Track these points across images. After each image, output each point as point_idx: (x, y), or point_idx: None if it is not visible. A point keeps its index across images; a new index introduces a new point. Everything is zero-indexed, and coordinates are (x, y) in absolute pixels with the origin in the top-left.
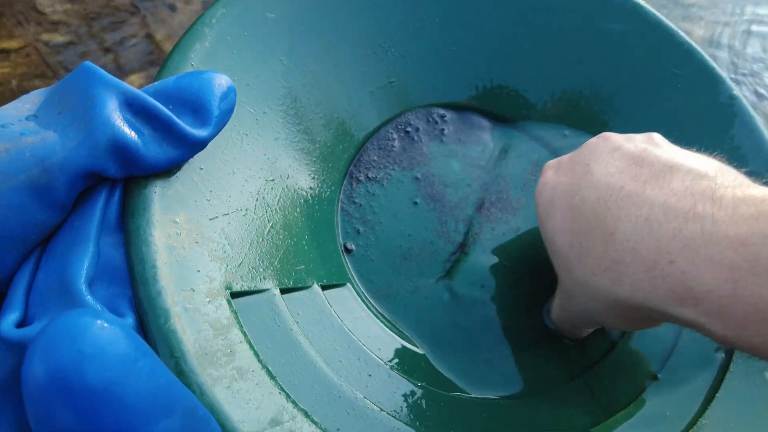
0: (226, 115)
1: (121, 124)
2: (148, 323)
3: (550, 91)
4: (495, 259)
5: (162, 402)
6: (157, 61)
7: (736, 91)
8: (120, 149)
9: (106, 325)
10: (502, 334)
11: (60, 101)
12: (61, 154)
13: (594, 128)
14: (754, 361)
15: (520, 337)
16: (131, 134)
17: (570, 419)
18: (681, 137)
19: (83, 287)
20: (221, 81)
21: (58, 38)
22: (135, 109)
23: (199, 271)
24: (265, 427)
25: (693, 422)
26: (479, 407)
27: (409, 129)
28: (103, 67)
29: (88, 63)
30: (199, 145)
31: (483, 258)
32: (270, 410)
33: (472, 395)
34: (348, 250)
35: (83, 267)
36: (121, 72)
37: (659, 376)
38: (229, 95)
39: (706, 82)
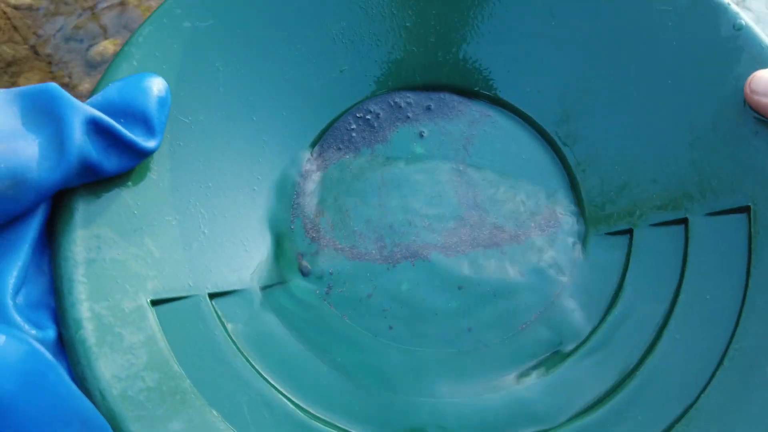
0: (166, 119)
1: (89, 147)
2: (63, 334)
3: (523, 53)
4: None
5: (60, 414)
6: (129, 26)
7: (743, 18)
8: (88, 169)
9: (9, 340)
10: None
11: (24, 113)
12: (36, 173)
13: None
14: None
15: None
16: (97, 155)
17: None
18: (675, 86)
19: (8, 300)
20: (158, 86)
21: (28, 1)
22: (97, 129)
23: (117, 282)
24: (165, 427)
25: (668, 429)
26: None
27: (368, 116)
28: (74, 31)
29: (54, 84)
30: (149, 154)
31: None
32: (176, 410)
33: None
34: (302, 255)
35: (10, 279)
36: (96, 35)
37: (638, 371)
38: (167, 100)
39: (703, 14)
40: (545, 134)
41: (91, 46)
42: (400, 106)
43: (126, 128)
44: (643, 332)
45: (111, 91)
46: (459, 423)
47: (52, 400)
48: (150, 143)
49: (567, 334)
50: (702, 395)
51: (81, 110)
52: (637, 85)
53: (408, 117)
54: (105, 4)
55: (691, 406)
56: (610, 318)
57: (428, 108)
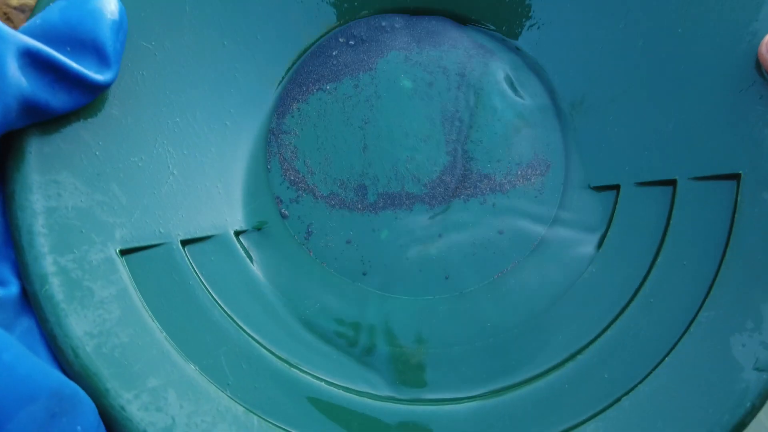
0: (123, 47)
1: (27, 84)
2: (28, 290)
3: None
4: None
5: (21, 393)
6: None
7: None
8: (31, 109)
9: None
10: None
11: None
12: None
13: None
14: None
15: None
16: (41, 93)
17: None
18: (684, 39)
19: None
20: (111, 7)
21: (29, 2)
22: (36, 62)
23: (82, 231)
24: (143, 384)
25: (629, 390)
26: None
27: (352, 41)
28: None
29: None
30: (104, 88)
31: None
32: (153, 365)
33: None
34: (280, 199)
35: None
36: None
37: (608, 331)
38: (123, 24)
39: None
40: (544, 76)
41: None
42: (388, 31)
43: (73, 59)
44: (618, 292)
45: (52, 13)
46: (434, 373)
47: (9, 382)
48: (104, 75)
49: (542, 286)
50: (665, 359)
51: (13, 40)
52: (645, 37)
53: (396, 44)
54: None
55: (654, 368)
56: (586, 274)
57: (418, 34)
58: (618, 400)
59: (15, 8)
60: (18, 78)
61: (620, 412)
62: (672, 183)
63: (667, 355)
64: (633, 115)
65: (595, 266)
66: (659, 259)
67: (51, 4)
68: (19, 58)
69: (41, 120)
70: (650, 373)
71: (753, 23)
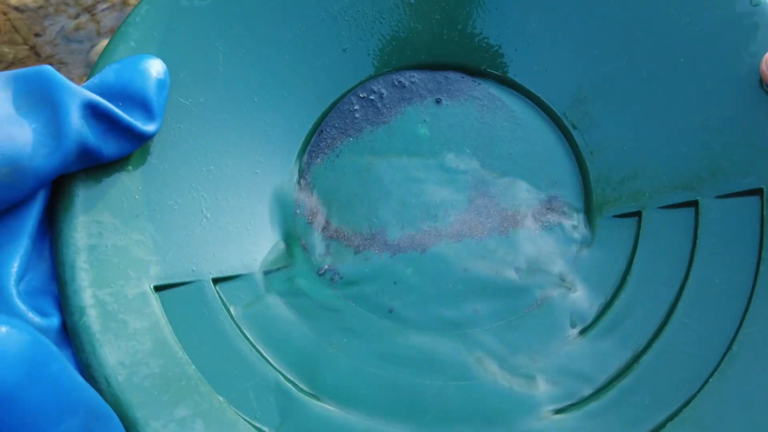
0: (166, 102)
1: (87, 131)
2: (67, 322)
3: (532, 30)
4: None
5: (65, 404)
6: None
7: None
8: (86, 154)
9: (11, 330)
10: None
11: (18, 98)
12: (33, 159)
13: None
14: (760, 340)
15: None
16: (96, 140)
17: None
18: (688, 65)
19: (12, 288)
20: (157, 68)
21: (27, 2)
22: (95, 113)
23: (120, 268)
24: (171, 414)
25: (674, 415)
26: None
27: (372, 96)
28: (74, 31)
29: (49, 67)
30: (149, 137)
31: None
32: (181, 396)
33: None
34: (306, 242)
35: (13, 267)
36: (97, 35)
37: (645, 355)
38: (166, 83)
39: None
40: (554, 117)
41: (92, 46)
42: (404, 86)
43: (124, 112)
44: (651, 316)
45: (108, 73)
46: (464, 406)
47: (55, 391)
48: (149, 127)
49: (573, 318)
50: (710, 380)
51: (78, 94)
52: (649, 65)
53: (413, 97)
54: (105, 5)
55: (698, 391)
56: (617, 302)
57: (434, 88)
58: (663, 425)
59: (15, 8)
60: (78, 126)
61: None
62: (694, 204)
63: (710, 376)
64: (648, 143)
65: (624, 293)
66: (690, 280)
67: (107, 66)
68: (81, 109)
69: (91, 165)
70: (695, 395)
71: (751, 44)
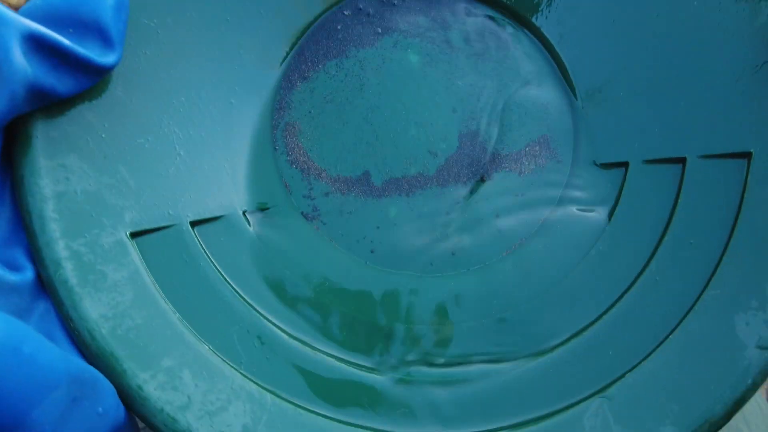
0: (126, 26)
1: (34, 68)
2: (42, 275)
3: None
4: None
5: (43, 381)
6: None
7: None
8: (37, 94)
9: None
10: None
11: None
12: None
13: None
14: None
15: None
16: (46, 77)
17: None
18: (700, 11)
19: None
20: None
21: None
22: (41, 46)
23: (92, 215)
24: (158, 364)
25: (633, 367)
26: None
27: (358, 14)
28: None
29: None
30: (109, 70)
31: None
32: (167, 346)
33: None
34: (286, 180)
35: None
36: None
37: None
38: (125, 3)
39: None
40: (551, 50)
41: None
42: (394, 3)
43: (77, 42)
44: (625, 270)
45: None
46: (436, 348)
47: (30, 372)
48: (108, 58)
49: (549, 264)
50: (670, 336)
51: (17, 25)
52: (655, 16)
53: (403, 17)
54: None
55: (658, 346)
56: (593, 251)
57: (427, 8)
58: (622, 376)
59: (14, 8)
60: (23, 63)
61: (624, 388)
62: (681, 161)
63: (671, 332)
64: (643, 94)
65: (602, 243)
66: (666, 237)
67: None
68: (23, 43)
69: (47, 104)
70: (654, 350)
71: (764, 6)
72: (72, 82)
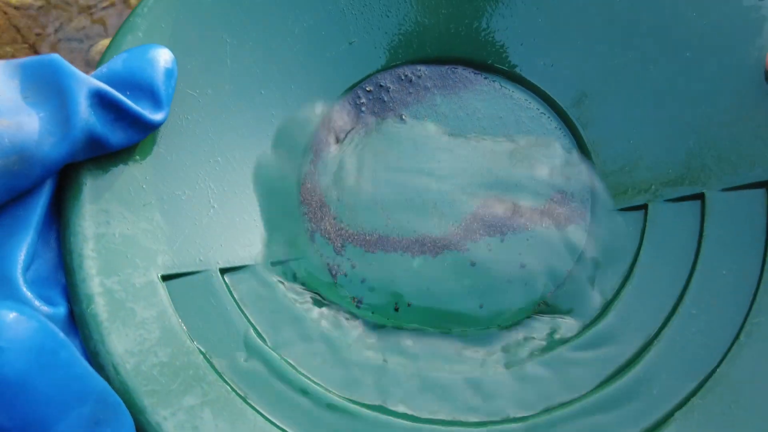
0: (173, 92)
1: (95, 120)
2: (74, 310)
3: (538, 25)
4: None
5: (74, 391)
6: None
7: None
8: (94, 143)
9: (20, 317)
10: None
11: (25, 86)
12: (41, 148)
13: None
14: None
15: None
16: (103, 129)
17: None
18: (695, 59)
19: (19, 277)
20: (165, 57)
21: (28, 0)
22: (103, 102)
23: (127, 256)
24: (180, 402)
25: (681, 404)
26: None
27: (379, 90)
28: (75, 31)
29: (58, 56)
30: (156, 127)
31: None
32: (189, 385)
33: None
34: (312, 230)
35: (20, 255)
36: (97, 34)
37: (653, 346)
38: (174, 72)
39: None
40: (560, 111)
41: (91, 46)
42: (411, 80)
43: (132, 101)
44: (658, 308)
45: (116, 63)
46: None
47: (64, 378)
48: (157, 116)
49: (580, 312)
50: (717, 370)
51: (86, 82)
52: (655, 60)
53: (420, 91)
54: (105, 4)
55: (705, 380)
56: (623, 295)
57: (441, 82)
58: (671, 415)
59: (15, 8)
60: (87, 114)
61: (673, 428)
62: (700, 197)
63: (718, 365)
64: (654, 136)
65: (631, 285)
66: (696, 272)
67: (115, 56)
68: (89, 98)
69: (99, 154)
70: (702, 385)
71: (758, 38)
72: (123, 135)
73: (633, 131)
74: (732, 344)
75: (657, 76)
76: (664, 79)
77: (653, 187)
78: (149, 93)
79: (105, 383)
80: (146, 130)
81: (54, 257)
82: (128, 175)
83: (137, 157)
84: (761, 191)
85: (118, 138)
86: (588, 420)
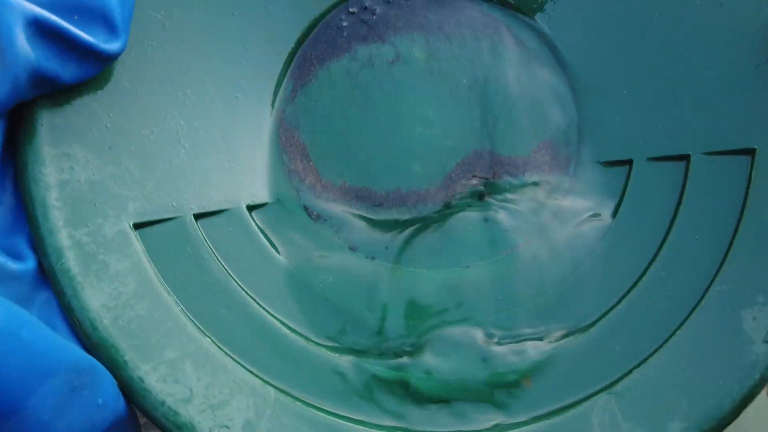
0: (131, 15)
1: (38, 54)
2: (44, 263)
3: None
4: None
5: (40, 368)
6: None
7: None
8: (41, 80)
9: None
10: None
11: None
12: None
13: None
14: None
15: None
16: (50, 64)
17: None
18: (698, 25)
19: None
20: None
21: None
22: (45, 31)
23: (96, 205)
24: (160, 356)
25: (640, 363)
26: None
27: (362, 12)
28: None
29: None
30: (114, 58)
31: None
32: (169, 338)
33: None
34: (290, 171)
35: None
36: None
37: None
38: None
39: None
40: (557, 51)
41: None
42: (399, 3)
43: (81, 28)
44: (630, 267)
45: None
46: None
47: (28, 358)
48: (113, 45)
49: (553, 263)
50: (677, 332)
51: (21, 9)
52: (659, 11)
53: (408, 15)
54: None
55: (665, 341)
56: (598, 249)
57: (432, 7)
58: (629, 372)
59: None
60: (26, 48)
61: (631, 384)
62: (685, 158)
63: (678, 328)
64: (646, 91)
65: (606, 241)
66: (671, 234)
67: None
68: (26, 28)
69: (51, 91)
70: (661, 346)
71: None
72: (76, 69)
73: (627, 81)
74: (693, 309)
75: (660, 28)
76: (667, 30)
77: (640, 142)
78: (101, 17)
79: (75, 349)
80: (102, 61)
81: (13, 203)
82: (90, 113)
83: (98, 91)
84: (746, 159)
85: (70, 73)
86: (551, 373)
